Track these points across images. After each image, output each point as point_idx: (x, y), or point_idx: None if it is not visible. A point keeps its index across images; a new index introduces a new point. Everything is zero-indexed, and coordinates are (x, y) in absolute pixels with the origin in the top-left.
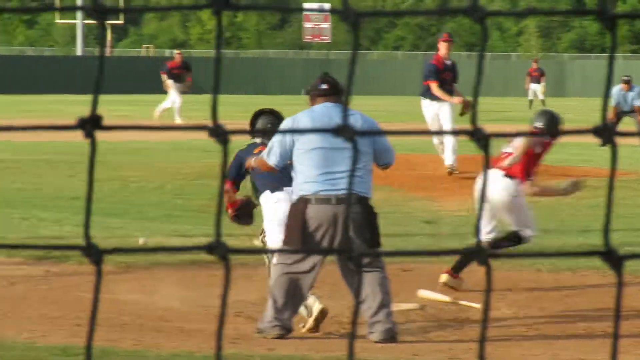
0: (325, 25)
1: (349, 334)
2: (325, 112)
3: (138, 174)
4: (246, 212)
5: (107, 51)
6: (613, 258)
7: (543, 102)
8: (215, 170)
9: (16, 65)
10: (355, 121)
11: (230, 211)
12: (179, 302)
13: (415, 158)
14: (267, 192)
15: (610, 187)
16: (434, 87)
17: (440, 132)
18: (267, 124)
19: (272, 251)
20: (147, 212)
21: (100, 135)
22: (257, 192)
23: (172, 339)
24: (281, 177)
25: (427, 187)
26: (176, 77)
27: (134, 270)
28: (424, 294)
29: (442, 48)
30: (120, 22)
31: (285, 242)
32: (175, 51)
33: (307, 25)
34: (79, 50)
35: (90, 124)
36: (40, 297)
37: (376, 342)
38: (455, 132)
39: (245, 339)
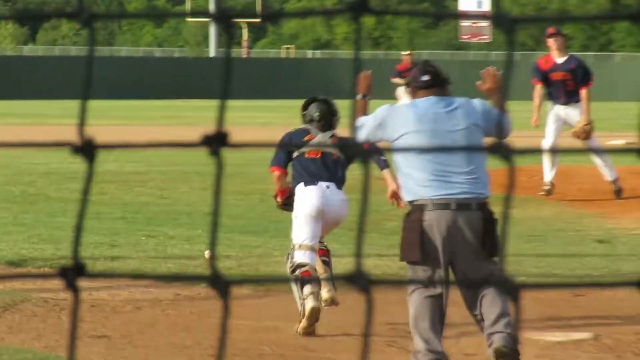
0: (485, 23)
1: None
2: (430, 108)
3: None
4: (293, 202)
5: (243, 52)
6: None
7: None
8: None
9: (143, 67)
10: (466, 114)
11: (279, 199)
12: (324, 328)
13: (585, 170)
14: (301, 184)
15: None
16: (536, 88)
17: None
18: (318, 111)
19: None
20: (289, 230)
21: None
22: (293, 181)
23: None
24: (321, 168)
25: (600, 202)
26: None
27: (274, 294)
28: None
29: (551, 45)
30: (258, 19)
31: (405, 259)
32: (403, 52)
33: (464, 23)
34: (211, 51)
35: (216, 141)
36: (169, 324)
37: (495, 352)
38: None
39: None
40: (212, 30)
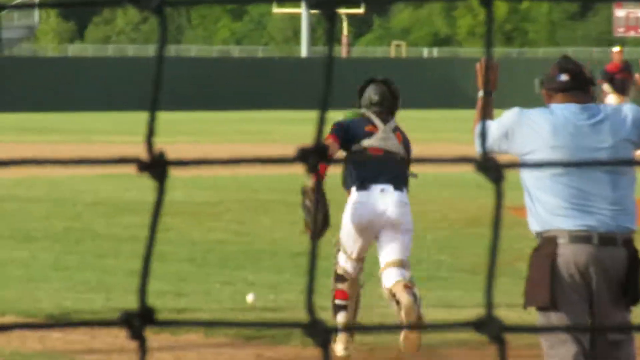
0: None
1: None
2: (570, 118)
3: None
4: (322, 209)
5: (343, 50)
6: None
7: None
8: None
9: (217, 69)
10: (615, 127)
11: (311, 186)
12: None
13: None
14: (354, 188)
15: None
16: None
17: None
18: (377, 94)
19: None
20: None
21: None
22: (345, 183)
23: None
24: (381, 167)
25: None
26: (619, 86)
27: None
28: None
29: None
30: (361, 11)
31: (530, 303)
32: (614, 48)
33: (619, 14)
34: (303, 50)
35: (315, 157)
36: None
37: None
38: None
39: None
40: (305, 23)
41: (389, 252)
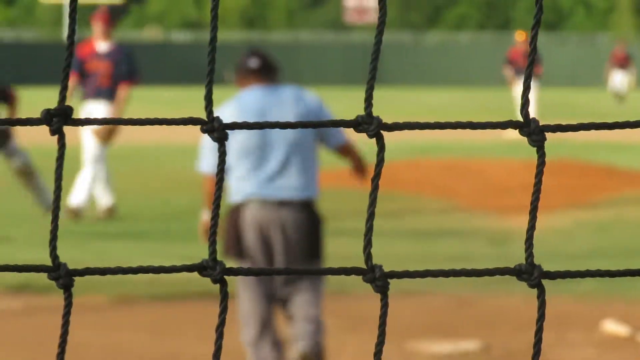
0: (371, 2)
1: None
2: (254, 100)
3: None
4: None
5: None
6: None
7: (624, 96)
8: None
9: None
10: (294, 103)
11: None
12: (188, 342)
13: (476, 164)
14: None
15: None
16: None
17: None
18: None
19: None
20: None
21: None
22: None
23: None
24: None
25: (494, 199)
26: (520, 71)
27: (133, 303)
28: (610, 326)
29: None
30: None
31: (226, 253)
32: (517, 35)
33: (349, 3)
34: (66, 34)
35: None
36: (18, 338)
37: (300, 355)
38: (499, 125)
39: None
40: (66, 11)
41: None
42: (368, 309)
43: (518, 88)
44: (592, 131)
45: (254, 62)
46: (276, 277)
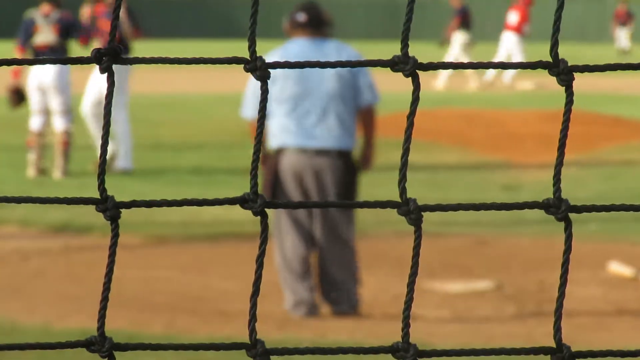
0: None
1: (405, 315)
2: (299, 51)
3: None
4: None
5: None
6: None
7: (629, 51)
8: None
9: None
10: (336, 56)
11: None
12: (219, 279)
13: (491, 114)
14: None
15: None
16: None
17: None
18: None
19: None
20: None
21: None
22: None
23: (209, 323)
24: None
25: (507, 148)
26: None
27: (167, 243)
28: (614, 267)
29: None
30: None
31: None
32: None
33: None
34: None
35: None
36: (58, 274)
37: (336, 312)
38: (529, 65)
39: (294, 323)
40: None
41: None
42: (385, 249)
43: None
44: (598, 83)
45: (301, 16)
46: (314, 227)
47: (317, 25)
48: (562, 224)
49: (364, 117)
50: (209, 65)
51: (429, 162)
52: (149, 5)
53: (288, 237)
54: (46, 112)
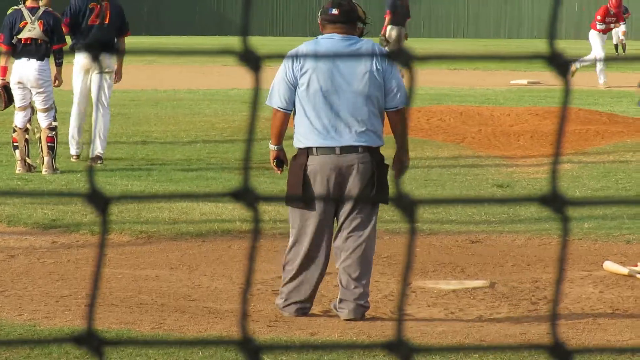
0: None
1: (399, 315)
2: (330, 46)
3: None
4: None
5: None
6: None
7: (623, 46)
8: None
9: None
10: (369, 58)
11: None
12: (208, 278)
13: (486, 111)
14: None
15: None
16: None
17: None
18: None
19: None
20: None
21: (119, 85)
22: None
23: (198, 321)
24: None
25: (501, 145)
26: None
27: (156, 241)
28: (609, 266)
29: None
30: None
31: (288, 203)
32: None
33: None
34: None
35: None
36: (44, 273)
37: (344, 318)
38: (528, 57)
39: (284, 322)
40: None
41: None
42: (377, 249)
43: None
44: (593, 79)
45: (333, 11)
46: (335, 227)
47: (349, 21)
48: (555, 223)
49: (393, 120)
50: (198, 63)
51: (422, 159)
52: (140, 2)
53: (306, 236)
54: (30, 108)
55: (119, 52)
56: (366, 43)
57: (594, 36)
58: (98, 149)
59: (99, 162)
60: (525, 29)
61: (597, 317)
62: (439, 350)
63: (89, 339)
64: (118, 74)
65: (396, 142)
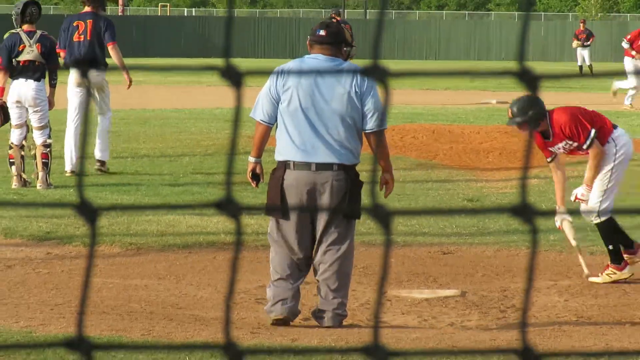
0: None
1: (375, 322)
2: (314, 65)
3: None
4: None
5: (120, 10)
6: None
7: (590, 67)
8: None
9: None
10: (349, 77)
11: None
12: (194, 287)
13: (457, 129)
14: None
15: None
16: None
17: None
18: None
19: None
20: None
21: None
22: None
23: (185, 328)
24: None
25: (471, 161)
26: None
27: (144, 253)
28: (594, 279)
29: None
30: None
31: (268, 213)
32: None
33: None
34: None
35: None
36: (40, 282)
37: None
38: (499, 73)
39: (267, 329)
40: None
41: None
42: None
43: None
44: (560, 98)
45: (320, 32)
46: (313, 244)
47: (335, 42)
48: (523, 235)
49: (370, 141)
50: (184, 83)
51: (396, 175)
52: (129, 23)
53: (286, 244)
54: (25, 126)
55: (118, 58)
56: (349, 65)
57: (628, 63)
58: (99, 155)
59: (97, 164)
60: (494, 51)
61: (562, 325)
62: (413, 355)
63: (82, 344)
64: (128, 77)
65: (379, 164)
